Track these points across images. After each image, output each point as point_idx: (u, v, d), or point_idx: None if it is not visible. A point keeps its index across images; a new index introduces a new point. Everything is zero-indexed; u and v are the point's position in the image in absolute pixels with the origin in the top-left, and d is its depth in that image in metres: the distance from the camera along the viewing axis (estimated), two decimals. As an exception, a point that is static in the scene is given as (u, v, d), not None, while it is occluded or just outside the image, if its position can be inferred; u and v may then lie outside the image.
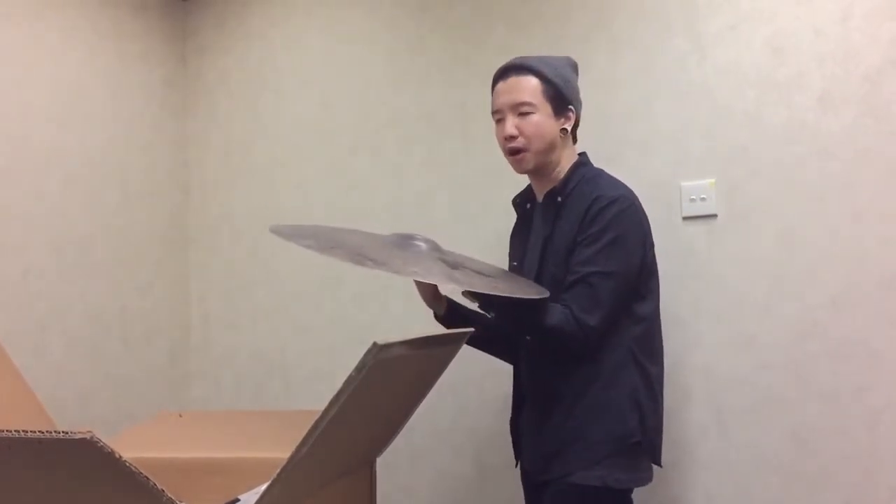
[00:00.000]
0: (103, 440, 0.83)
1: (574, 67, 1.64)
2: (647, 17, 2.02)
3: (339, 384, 1.01)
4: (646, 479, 1.55)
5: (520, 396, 1.70)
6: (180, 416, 1.90)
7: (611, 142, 2.04)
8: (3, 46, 2.24)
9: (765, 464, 1.85)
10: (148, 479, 0.90)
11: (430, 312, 1.71)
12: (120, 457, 0.85)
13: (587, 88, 1.74)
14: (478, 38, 2.27)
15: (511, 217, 1.79)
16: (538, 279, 1.57)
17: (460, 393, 2.25)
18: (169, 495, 0.92)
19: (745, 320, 1.88)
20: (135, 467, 0.88)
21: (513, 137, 1.56)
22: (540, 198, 1.65)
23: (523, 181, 1.75)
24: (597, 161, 1.69)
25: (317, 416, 1.03)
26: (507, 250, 1.80)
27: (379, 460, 1.70)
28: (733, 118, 1.91)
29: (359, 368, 1.01)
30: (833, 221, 1.80)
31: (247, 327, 2.66)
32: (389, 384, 1.24)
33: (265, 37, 2.66)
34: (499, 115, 1.60)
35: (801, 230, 1.83)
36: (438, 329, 1.66)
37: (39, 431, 0.81)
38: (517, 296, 1.38)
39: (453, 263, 1.50)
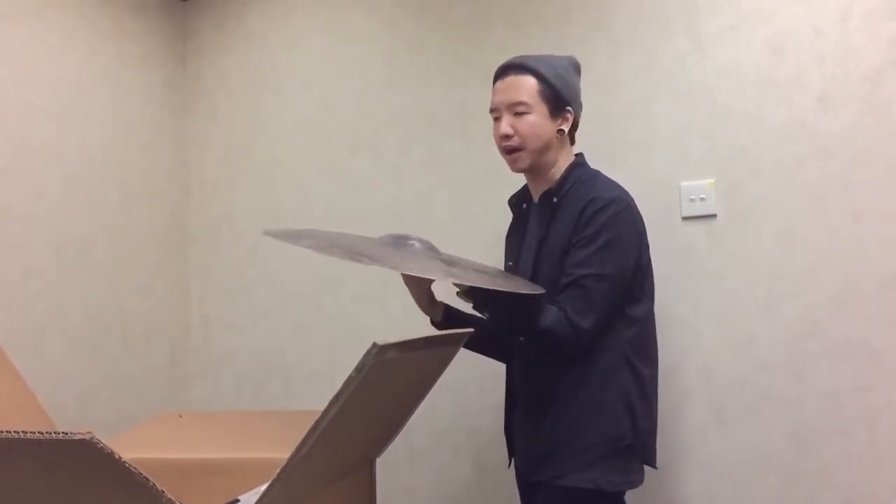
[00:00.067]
0: (103, 441, 0.83)
1: (576, 68, 1.64)
2: (647, 17, 2.02)
3: (339, 384, 1.01)
4: (637, 481, 1.55)
5: (512, 396, 1.70)
6: (180, 416, 1.90)
7: (610, 142, 2.04)
8: (2, 47, 2.24)
9: (765, 463, 1.85)
10: (148, 479, 0.90)
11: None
12: (120, 457, 0.85)
13: (587, 88, 1.73)
14: (478, 38, 2.27)
15: (510, 217, 1.79)
16: (533, 280, 1.57)
17: (460, 393, 2.25)
18: (169, 496, 0.92)
19: (744, 320, 1.88)
20: (135, 468, 0.88)
21: (508, 136, 1.56)
22: (536, 198, 1.65)
23: (523, 181, 1.75)
24: (597, 161, 1.69)
25: (317, 417, 1.03)
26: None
27: (379, 460, 1.70)
28: (733, 118, 1.91)
29: (358, 369, 1.01)
30: (833, 221, 1.80)
31: (247, 327, 2.66)
32: (389, 384, 1.24)
33: (265, 37, 2.66)
34: (496, 114, 1.60)
35: (801, 230, 1.83)
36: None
37: (39, 432, 0.81)
38: (516, 291, 1.38)
39: (449, 261, 1.50)
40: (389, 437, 1.56)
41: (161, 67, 2.74)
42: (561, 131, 1.58)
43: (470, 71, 2.27)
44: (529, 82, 1.56)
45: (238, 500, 1.22)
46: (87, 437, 0.81)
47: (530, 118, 1.55)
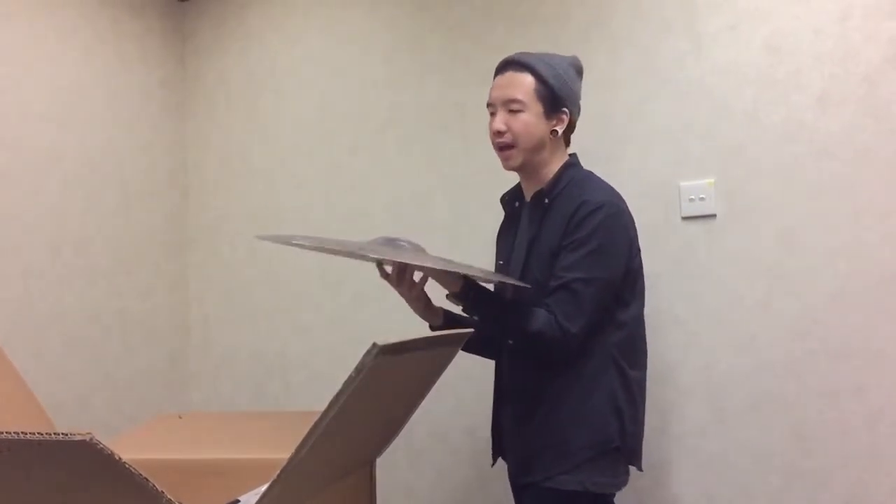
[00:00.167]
0: (103, 442, 0.83)
1: (578, 69, 1.61)
2: (646, 17, 2.02)
3: (339, 384, 1.01)
4: (623, 483, 1.55)
5: (500, 396, 1.70)
6: (180, 417, 1.90)
7: (610, 141, 2.04)
8: (1, 47, 2.24)
9: (765, 463, 1.85)
10: (147, 480, 0.89)
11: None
12: (119, 458, 0.85)
13: (586, 88, 1.73)
14: (477, 38, 2.27)
15: (506, 216, 1.79)
16: (522, 279, 1.57)
17: (460, 393, 2.25)
18: (168, 497, 0.92)
19: (744, 320, 1.88)
20: (134, 469, 0.88)
21: (500, 133, 1.56)
22: (528, 197, 1.64)
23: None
24: (596, 160, 1.68)
25: (317, 417, 1.03)
26: (503, 250, 1.79)
27: (379, 460, 1.70)
28: (732, 118, 1.91)
29: (358, 369, 1.01)
30: (832, 221, 1.80)
31: (246, 328, 2.65)
32: (389, 385, 1.24)
33: (264, 37, 2.66)
34: (492, 109, 1.59)
35: (801, 230, 1.83)
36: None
37: (39, 433, 0.80)
38: (506, 281, 1.42)
39: (436, 257, 1.51)
40: (389, 438, 1.56)
41: (160, 68, 2.74)
42: (555, 132, 1.57)
43: (469, 71, 2.27)
44: (526, 80, 1.55)
45: (238, 501, 1.22)
46: (87, 437, 0.81)
47: (524, 116, 1.54)
